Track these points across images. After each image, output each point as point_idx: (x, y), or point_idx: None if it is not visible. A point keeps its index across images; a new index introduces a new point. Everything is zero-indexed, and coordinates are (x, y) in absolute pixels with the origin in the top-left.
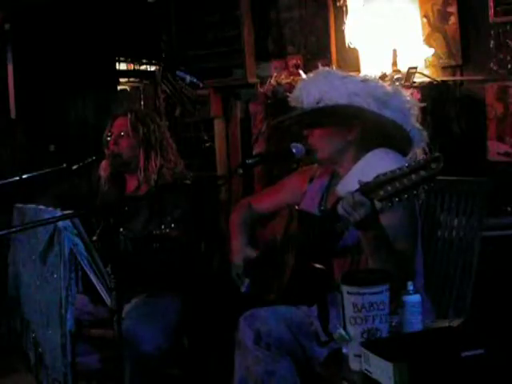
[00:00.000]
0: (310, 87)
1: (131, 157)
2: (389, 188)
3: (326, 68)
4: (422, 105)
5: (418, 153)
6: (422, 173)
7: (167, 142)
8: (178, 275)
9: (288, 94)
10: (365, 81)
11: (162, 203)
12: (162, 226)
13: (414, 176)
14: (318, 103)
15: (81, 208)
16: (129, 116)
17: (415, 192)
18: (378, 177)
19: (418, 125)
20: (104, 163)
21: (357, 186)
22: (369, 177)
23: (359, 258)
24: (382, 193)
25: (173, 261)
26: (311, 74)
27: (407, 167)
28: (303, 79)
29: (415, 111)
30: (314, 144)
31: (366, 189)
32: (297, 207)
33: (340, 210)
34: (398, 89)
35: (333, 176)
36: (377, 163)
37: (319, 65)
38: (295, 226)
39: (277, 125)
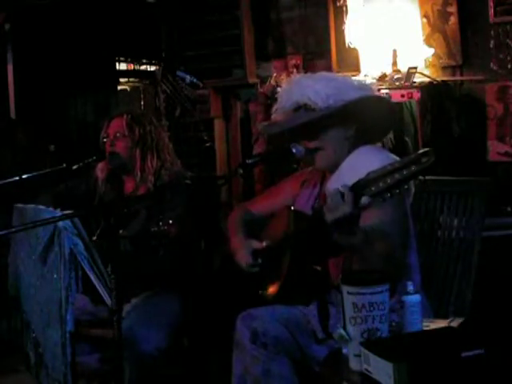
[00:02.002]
0: (317, 85)
1: (128, 157)
2: (380, 184)
3: (300, 74)
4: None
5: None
6: (413, 167)
7: (163, 142)
8: (178, 275)
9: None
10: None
11: (161, 203)
12: (160, 223)
13: (404, 171)
14: (327, 100)
15: (80, 208)
16: (124, 117)
17: (406, 186)
18: (369, 174)
19: None
20: (100, 165)
21: (343, 183)
22: (357, 174)
23: (352, 256)
24: (373, 189)
25: (172, 259)
26: (300, 77)
27: (398, 162)
28: (292, 82)
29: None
30: (318, 148)
31: (358, 186)
32: (292, 208)
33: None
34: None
35: (324, 178)
36: (365, 159)
37: (295, 72)
38: (291, 227)
39: (277, 135)
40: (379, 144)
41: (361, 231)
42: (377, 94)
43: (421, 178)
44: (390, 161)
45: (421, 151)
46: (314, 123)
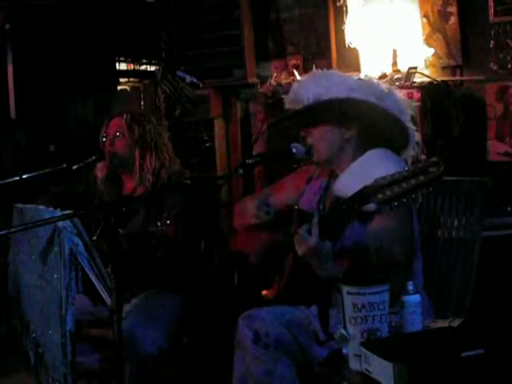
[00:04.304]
0: (308, 85)
1: (127, 157)
2: (388, 192)
3: (320, 70)
4: (417, 104)
5: (409, 153)
6: (421, 177)
7: (163, 142)
8: (178, 275)
9: (284, 96)
10: (361, 79)
11: (160, 203)
12: (158, 223)
13: (412, 180)
14: (315, 99)
15: (80, 208)
16: (124, 116)
17: (413, 196)
18: (377, 180)
19: (411, 125)
20: (100, 164)
21: (353, 186)
22: (366, 176)
23: (357, 257)
24: (380, 196)
25: (170, 258)
26: (306, 76)
27: (406, 171)
28: (299, 80)
29: (410, 111)
30: (313, 144)
31: (366, 192)
32: (296, 207)
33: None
34: (392, 88)
35: (331, 176)
36: (374, 164)
37: (313, 67)
38: (294, 226)
39: (276, 124)
40: (410, 152)
41: (336, 267)
42: (371, 99)
43: (429, 188)
44: (399, 167)
45: (429, 161)
46: (303, 116)
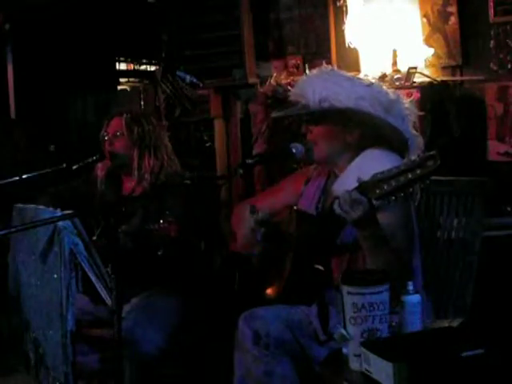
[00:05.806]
0: (316, 84)
1: (126, 157)
2: (385, 186)
3: (330, 67)
4: (421, 113)
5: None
6: (418, 171)
7: (162, 143)
8: (178, 275)
9: (290, 88)
10: (370, 85)
11: (159, 203)
12: (161, 221)
13: (410, 174)
14: (322, 102)
15: (80, 208)
16: (124, 116)
17: (411, 190)
18: (375, 175)
19: (414, 131)
20: (100, 164)
21: (353, 185)
22: (365, 175)
23: (356, 256)
24: (378, 191)
25: (171, 258)
26: (315, 72)
27: (403, 166)
28: (307, 75)
29: (413, 118)
30: (313, 141)
31: (363, 187)
32: (295, 207)
33: (337, 208)
34: (398, 95)
35: (330, 176)
36: (373, 161)
37: (323, 63)
38: (294, 226)
39: (278, 119)
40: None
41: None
42: (378, 110)
43: (426, 182)
44: (396, 163)
45: (426, 154)
46: (306, 117)
